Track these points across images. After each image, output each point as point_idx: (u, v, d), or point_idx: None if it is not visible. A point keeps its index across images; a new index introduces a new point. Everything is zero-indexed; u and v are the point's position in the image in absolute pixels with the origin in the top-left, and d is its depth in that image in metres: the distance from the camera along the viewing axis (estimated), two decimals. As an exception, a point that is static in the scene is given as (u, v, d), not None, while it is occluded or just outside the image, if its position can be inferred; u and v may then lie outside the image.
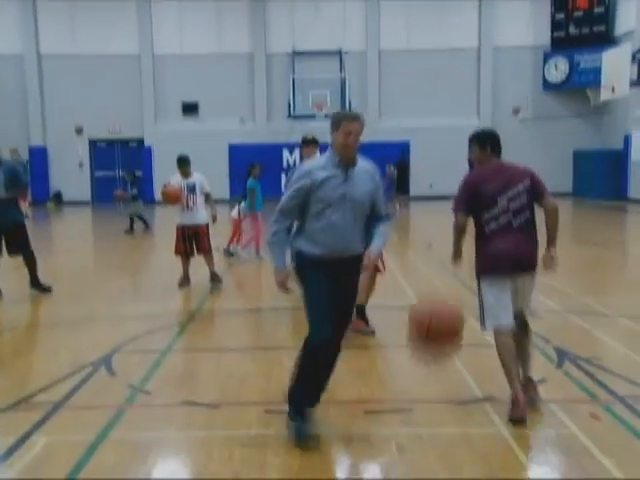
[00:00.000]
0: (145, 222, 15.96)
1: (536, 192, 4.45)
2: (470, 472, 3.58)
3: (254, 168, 11.10)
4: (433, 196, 22.30)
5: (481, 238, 4.48)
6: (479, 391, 4.77)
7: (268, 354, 5.96)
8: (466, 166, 20.82)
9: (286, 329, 6.84)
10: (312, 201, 3.93)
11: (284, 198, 4.04)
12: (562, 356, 5.52)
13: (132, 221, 15.62)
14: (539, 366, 5.33)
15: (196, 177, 8.76)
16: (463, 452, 3.83)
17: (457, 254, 4.74)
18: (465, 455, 3.80)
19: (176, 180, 8.74)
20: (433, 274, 9.56)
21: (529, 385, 4.51)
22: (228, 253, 11.29)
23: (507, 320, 4.40)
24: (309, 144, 7.33)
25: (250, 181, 11.05)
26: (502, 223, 4.37)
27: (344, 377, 5.22)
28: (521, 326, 4.54)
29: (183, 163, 8.73)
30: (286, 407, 4.15)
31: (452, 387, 4.91)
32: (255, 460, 3.77)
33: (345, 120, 3.94)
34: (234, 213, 11.61)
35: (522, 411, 4.19)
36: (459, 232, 4.61)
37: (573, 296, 7.92)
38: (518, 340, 4.51)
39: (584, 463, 3.67)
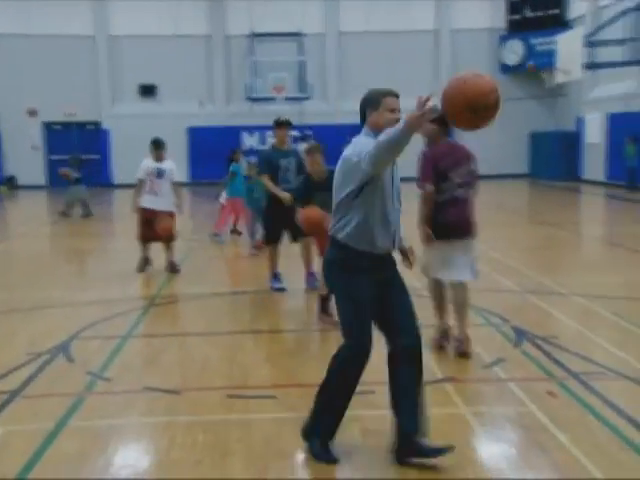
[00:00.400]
0: (87, 207, 15.32)
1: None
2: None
3: (236, 153, 11.25)
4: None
5: (434, 208, 5.05)
6: (439, 372, 4.81)
7: (230, 338, 5.91)
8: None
9: (248, 313, 6.79)
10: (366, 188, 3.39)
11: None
12: (520, 335, 5.61)
13: (71, 205, 15.17)
14: (498, 346, 5.42)
15: (168, 164, 8.53)
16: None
17: (428, 225, 5.05)
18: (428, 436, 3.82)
19: (147, 164, 8.48)
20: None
21: (466, 340, 5.13)
22: (214, 237, 11.23)
23: (447, 276, 5.16)
24: (282, 126, 7.34)
25: (233, 165, 11.11)
26: (453, 195, 5.03)
27: (307, 361, 5.22)
28: (461, 285, 5.18)
29: (158, 146, 8.48)
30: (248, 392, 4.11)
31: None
32: (218, 446, 3.73)
33: (388, 96, 3.60)
34: (221, 198, 11.59)
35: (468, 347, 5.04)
36: (429, 202, 5.02)
37: (530, 275, 8.04)
38: (457, 297, 5.21)
39: (541, 439, 3.73)
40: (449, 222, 4.98)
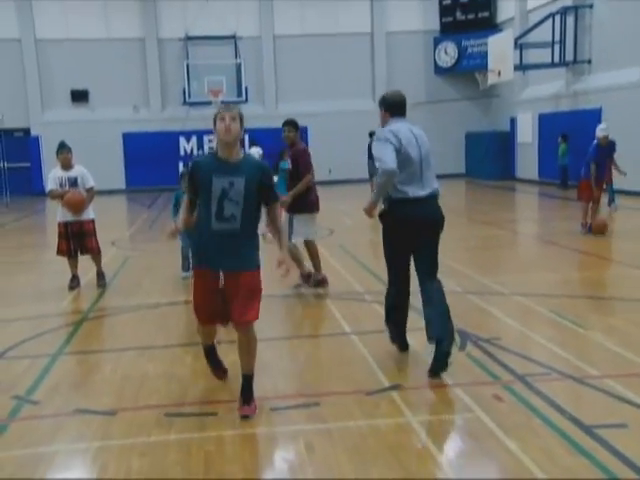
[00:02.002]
0: None
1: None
2: (379, 467, 3.47)
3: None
4: (333, 181, 22.33)
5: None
6: (385, 380, 4.68)
7: (168, 352, 5.65)
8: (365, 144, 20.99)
9: (186, 325, 6.52)
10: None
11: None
12: (464, 338, 5.54)
13: None
14: (442, 349, 5.33)
15: (78, 170, 7.94)
16: (373, 445, 3.72)
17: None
18: (374, 447, 3.69)
19: (55, 173, 7.95)
20: (334, 259, 9.48)
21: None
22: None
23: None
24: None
25: (282, 163, 11.11)
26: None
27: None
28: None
29: (62, 151, 7.82)
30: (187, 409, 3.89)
31: (359, 377, 4.80)
32: (155, 470, 3.50)
33: None
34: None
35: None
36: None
37: (470, 276, 8.04)
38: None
39: (489, 447, 3.65)
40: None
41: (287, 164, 11.22)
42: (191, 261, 7.54)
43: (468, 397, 4.32)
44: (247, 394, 4.24)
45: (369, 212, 4.95)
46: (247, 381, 4.28)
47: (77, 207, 7.81)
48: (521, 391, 4.40)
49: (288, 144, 7.80)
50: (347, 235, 12.16)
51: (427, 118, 25.43)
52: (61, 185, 7.86)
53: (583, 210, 11.18)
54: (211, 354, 4.77)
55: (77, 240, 8.00)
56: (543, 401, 4.22)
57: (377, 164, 4.81)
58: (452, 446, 3.77)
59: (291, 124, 7.71)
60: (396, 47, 25.44)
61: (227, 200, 4.02)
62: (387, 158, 4.69)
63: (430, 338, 4.76)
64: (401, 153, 4.75)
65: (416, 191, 4.80)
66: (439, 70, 25.73)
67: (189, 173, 4.18)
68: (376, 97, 25.70)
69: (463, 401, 4.29)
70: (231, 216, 4.04)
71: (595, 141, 11.16)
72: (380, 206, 4.97)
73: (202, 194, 4.07)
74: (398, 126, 4.92)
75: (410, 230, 4.83)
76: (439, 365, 4.68)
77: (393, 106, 5.12)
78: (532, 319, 6.31)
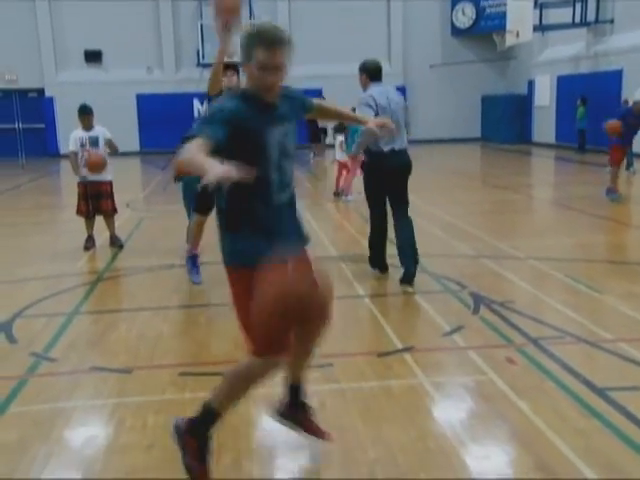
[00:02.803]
0: None
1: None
2: (392, 427, 3.49)
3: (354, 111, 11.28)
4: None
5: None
6: (398, 342, 4.69)
7: (182, 313, 5.70)
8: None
9: (200, 286, 6.55)
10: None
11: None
12: (478, 302, 5.53)
13: None
14: (456, 313, 5.34)
15: (98, 130, 8.06)
16: (385, 405, 3.75)
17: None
18: (387, 408, 3.71)
19: (77, 134, 8.07)
20: (348, 222, 9.46)
21: None
22: (339, 196, 11.68)
23: None
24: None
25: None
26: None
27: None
28: None
29: (84, 113, 8.00)
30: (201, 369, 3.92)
31: (371, 339, 4.82)
32: (170, 427, 3.54)
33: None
34: (338, 156, 11.99)
35: None
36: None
37: (485, 240, 8.00)
38: None
39: (501, 408, 3.66)
40: None
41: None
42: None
43: (481, 359, 4.33)
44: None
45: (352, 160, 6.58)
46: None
47: (98, 166, 7.89)
48: (534, 354, 4.39)
49: None
50: (362, 198, 12.08)
51: (443, 80, 25.16)
52: (82, 145, 7.96)
53: (613, 174, 10.91)
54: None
55: (94, 201, 8.08)
56: (556, 364, 4.21)
57: None
58: (464, 407, 3.78)
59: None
60: (412, 8, 24.99)
61: (284, 158, 2.86)
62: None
63: (402, 263, 6.11)
64: (378, 115, 5.71)
65: (389, 146, 5.91)
66: (456, 31, 25.28)
67: (222, 131, 2.62)
68: (392, 59, 25.39)
69: (476, 363, 4.29)
70: (289, 179, 2.92)
71: (630, 104, 10.97)
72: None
73: (252, 158, 2.66)
74: (376, 90, 6.02)
75: (385, 175, 6.02)
76: (407, 280, 5.99)
77: (372, 72, 6.20)
78: (547, 283, 6.28)
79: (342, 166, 11.88)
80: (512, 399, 3.75)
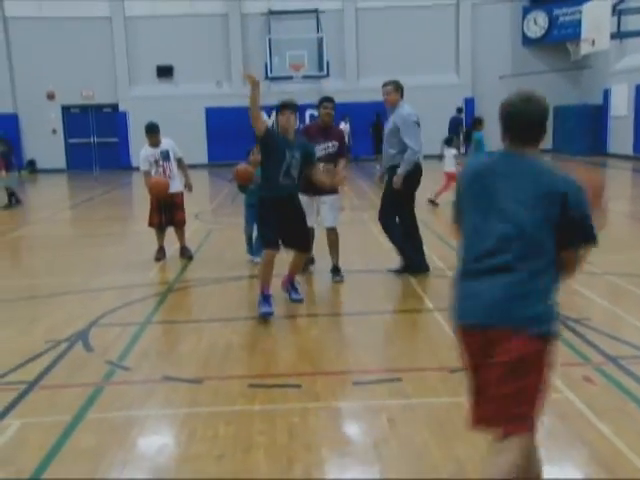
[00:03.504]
0: (15, 196, 14.48)
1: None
2: (465, 445, 3.44)
3: (480, 122, 11.99)
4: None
5: None
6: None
7: (251, 325, 5.76)
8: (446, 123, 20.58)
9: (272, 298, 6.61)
10: None
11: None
12: (552, 317, 5.38)
13: (10, 194, 14.40)
14: (529, 329, 5.20)
15: (166, 143, 8.25)
16: (456, 422, 3.69)
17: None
18: (459, 425, 3.65)
19: (146, 152, 8.23)
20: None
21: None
22: (434, 204, 12.17)
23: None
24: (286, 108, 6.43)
25: (476, 133, 11.48)
26: None
27: (330, 347, 5.06)
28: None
29: (152, 131, 8.17)
30: (271, 380, 3.96)
31: (442, 354, 4.75)
32: (240, 439, 3.60)
33: None
34: (450, 166, 12.40)
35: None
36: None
37: (559, 255, 7.78)
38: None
39: (580, 430, 3.55)
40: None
41: (482, 134, 11.46)
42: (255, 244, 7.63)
43: (557, 377, 4.20)
44: None
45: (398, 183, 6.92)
46: None
47: (163, 189, 8.07)
48: (613, 373, 4.25)
49: (328, 123, 6.97)
50: (429, 211, 12.01)
51: (513, 91, 24.71)
52: (156, 162, 8.16)
53: None
54: None
55: (167, 212, 8.29)
56: (637, 384, 4.06)
57: (408, 141, 6.89)
58: (539, 427, 3.68)
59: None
60: (482, 18, 24.66)
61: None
62: (419, 140, 7.02)
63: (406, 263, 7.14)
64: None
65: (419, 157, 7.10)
66: (527, 41, 24.83)
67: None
68: (460, 71, 25.14)
69: (551, 381, 4.17)
70: None
71: None
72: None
73: None
74: (410, 108, 7.10)
75: (418, 180, 7.16)
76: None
77: (403, 90, 7.19)
78: (624, 299, 6.07)
79: (451, 177, 12.31)
80: (591, 419, 3.63)
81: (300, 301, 6.25)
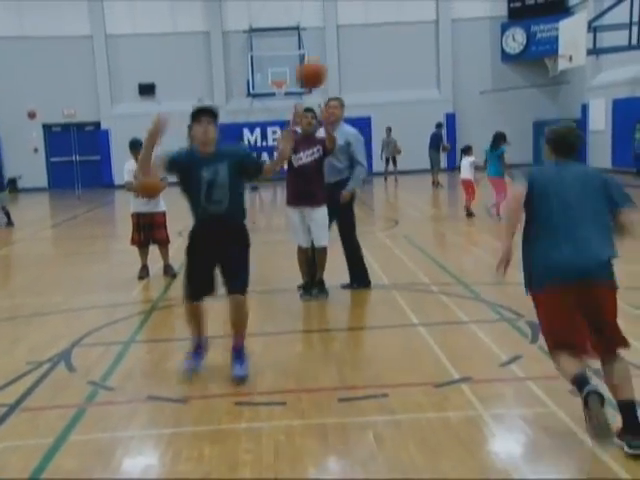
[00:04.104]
0: (8, 216, 14.33)
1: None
2: (451, 460, 3.42)
3: (501, 137, 12.28)
4: (397, 171, 22.04)
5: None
6: (455, 372, 4.62)
7: (236, 341, 5.71)
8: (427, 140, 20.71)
9: (254, 314, 6.56)
10: None
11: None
12: (535, 330, 5.39)
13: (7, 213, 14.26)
14: (513, 342, 5.24)
15: None
16: (443, 438, 3.68)
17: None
18: (445, 441, 3.64)
19: (130, 166, 8.25)
20: (399, 250, 9.41)
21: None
22: (470, 214, 12.33)
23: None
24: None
25: (503, 147, 12.16)
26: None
27: (315, 362, 5.04)
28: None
29: (135, 147, 8.09)
30: (256, 398, 3.93)
31: (427, 369, 4.75)
32: (226, 457, 3.56)
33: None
34: (466, 173, 12.64)
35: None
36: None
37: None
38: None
39: (565, 443, 3.55)
40: None
41: (505, 148, 11.72)
42: None
43: (541, 391, 4.22)
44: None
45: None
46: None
47: (152, 190, 8.00)
48: (599, 386, 4.25)
49: (309, 132, 6.67)
50: (411, 226, 12.05)
51: (493, 106, 24.96)
52: (136, 177, 8.11)
53: None
54: None
55: (148, 231, 8.25)
56: (622, 397, 4.06)
57: (361, 159, 6.96)
58: (525, 441, 3.68)
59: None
60: (462, 35, 24.95)
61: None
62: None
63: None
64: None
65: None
66: (506, 57, 25.14)
67: None
68: (441, 86, 25.38)
69: (536, 395, 4.19)
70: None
71: None
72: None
73: None
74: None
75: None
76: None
77: None
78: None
79: (468, 184, 12.61)
80: (578, 434, 3.63)
81: (242, 379, 4.61)
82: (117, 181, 24.16)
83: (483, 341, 5.32)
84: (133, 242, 8.35)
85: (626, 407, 3.43)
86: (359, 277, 7.20)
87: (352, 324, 6.14)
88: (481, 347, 5.23)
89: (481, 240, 9.95)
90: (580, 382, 3.42)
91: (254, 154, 5.39)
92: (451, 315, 6.11)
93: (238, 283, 4.67)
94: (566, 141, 3.93)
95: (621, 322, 3.67)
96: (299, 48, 24.46)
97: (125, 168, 8.34)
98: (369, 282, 7.23)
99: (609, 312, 3.55)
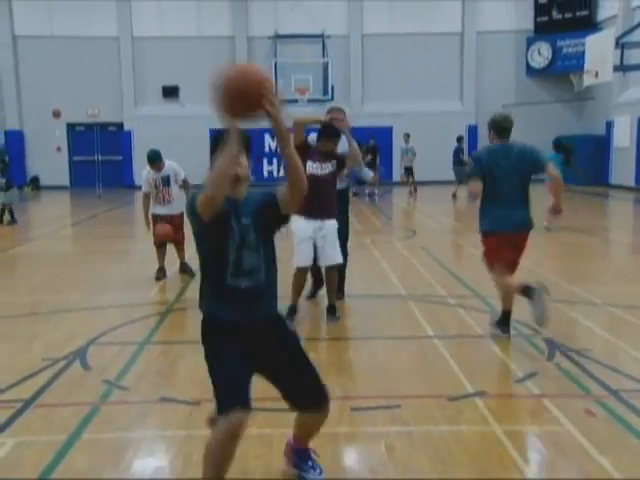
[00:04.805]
0: (12, 215, 14.39)
1: None
2: (462, 474, 3.40)
3: (566, 146, 12.77)
4: (413, 181, 21.89)
5: None
6: (469, 385, 4.59)
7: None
8: (450, 150, 20.63)
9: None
10: None
11: None
12: (552, 348, 5.37)
13: (2, 212, 14.36)
14: (529, 359, 5.20)
15: (168, 167, 8.28)
16: (455, 452, 3.66)
17: None
18: (457, 455, 3.62)
19: (148, 174, 8.28)
20: (416, 261, 9.38)
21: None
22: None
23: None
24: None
25: (555, 154, 12.43)
26: None
27: (328, 371, 5.02)
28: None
29: (153, 161, 8.20)
30: (269, 404, 3.93)
31: (441, 382, 4.73)
32: (237, 462, 3.53)
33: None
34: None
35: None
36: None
37: (559, 284, 7.78)
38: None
39: (581, 463, 3.51)
40: None
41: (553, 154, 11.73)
42: None
43: (556, 409, 4.18)
44: None
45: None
46: None
47: (166, 238, 8.22)
48: (615, 407, 4.21)
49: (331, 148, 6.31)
50: (430, 237, 12.01)
51: (517, 121, 24.64)
52: (155, 186, 8.21)
53: None
54: None
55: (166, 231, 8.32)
56: (639, 418, 4.02)
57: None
58: (539, 459, 3.65)
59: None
60: (486, 47, 24.92)
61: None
62: None
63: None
64: None
65: None
66: (531, 71, 25.04)
67: None
68: (464, 98, 25.32)
69: (551, 413, 4.15)
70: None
71: None
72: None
73: None
74: None
75: None
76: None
77: None
78: (625, 331, 6.05)
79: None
80: (592, 454, 3.59)
81: None
82: (138, 182, 24.39)
83: (499, 356, 5.29)
84: (156, 241, 8.43)
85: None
86: (340, 287, 6.90)
87: (366, 334, 6.12)
88: (496, 362, 5.20)
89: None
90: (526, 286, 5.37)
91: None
92: (467, 328, 6.08)
93: (317, 390, 3.25)
94: (504, 126, 5.78)
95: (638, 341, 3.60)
96: (323, 56, 24.55)
97: (143, 175, 8.42)
98: (342, 294, 7.05)
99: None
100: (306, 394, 3.22)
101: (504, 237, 5.49)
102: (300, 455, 3.44)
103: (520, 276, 5.98)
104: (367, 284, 8.03)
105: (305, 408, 3.27)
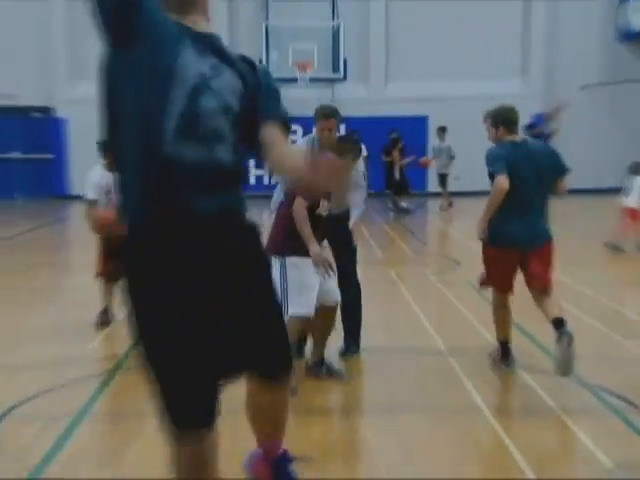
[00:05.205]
0: None
1: None
2: None
3: None
4: (459, 192, 21.86)
5: None
6: (529, 471, 4.59)
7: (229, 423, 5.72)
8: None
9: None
10: None
11: None
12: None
13: None
14: (623, 444, 5.20)
15: None
16: None
17: None
18: None
19: (96, 178, 8.36)
20: (462, 303, 9.39)
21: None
22: (616, 249, 12.84)
23: None
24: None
25: None
26: None
27: (330, 456, 5.02)
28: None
29: (108, 147, 8.34)
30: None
31: (494, 468, 4.74)
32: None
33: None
34: (632, 201, 13.10)
35: None
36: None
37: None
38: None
39: None
40: None
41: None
42: None
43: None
44: None
45: None
46: None
47: (112, 229, 8.17)
48: None
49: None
50: (478, 270, 12.00)
51: (603, 106, 24.77)
52: (107, 192, 8.19)
53: None
54: None
55: (118, 259, 8.30)
56: None
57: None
58: None
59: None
60: (560, 7, 25.01)
61: None
62: None
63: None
64: None
65: None
66: (625, 36, 24.97)
67: None
68: (530, 77, 25.37)
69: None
70: None
71: None
72: None
73: None
74: None
75: None
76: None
77: None
78: None
79: (632, 213, 12.99)
80: None
81: None
82: (75, 190, 24.45)
83: (577, 438, 5.27)
84: (100, 273, 8.43)
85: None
86: (355, 335, 7.25)
87: (390, 403, 6.10)
88: (574, 446, 5.22)
89: (579, 294, 9.86)
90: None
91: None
92: (533, 399, 6.07)
93: (279, 355, 3.32)
94: (513, 118, 6.54)
95: None
96: (333, 18, 24.68)
97: (89, 177, 8.43)
98: (358, 347, 7.26)
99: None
100: (269, 351, 3.22)
101: (515, 251, 6.46)
102: (279, 467, 3.63)
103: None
104: (392, 333, 8.03)
105: (265, 373, 3.30)
